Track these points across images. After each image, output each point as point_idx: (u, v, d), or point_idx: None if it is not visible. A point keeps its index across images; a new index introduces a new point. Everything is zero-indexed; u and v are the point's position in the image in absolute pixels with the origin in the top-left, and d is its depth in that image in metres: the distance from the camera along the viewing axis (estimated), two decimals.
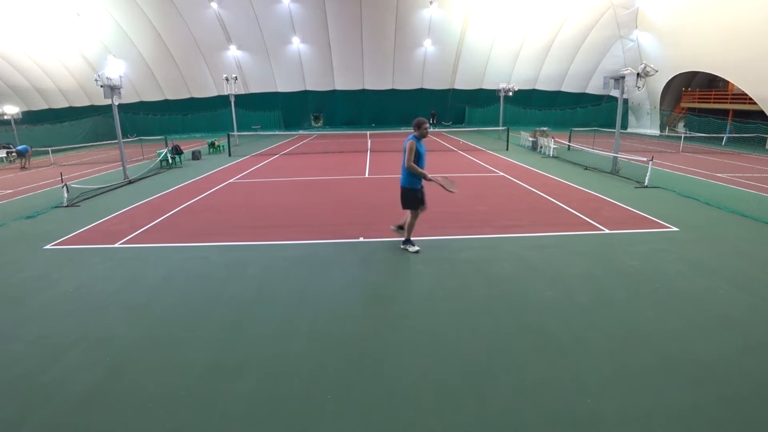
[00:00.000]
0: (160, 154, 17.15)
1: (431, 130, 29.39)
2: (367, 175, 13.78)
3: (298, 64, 34.83)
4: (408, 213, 6.56)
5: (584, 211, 8.94)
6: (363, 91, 36.75)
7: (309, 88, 36.66)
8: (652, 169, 11.55)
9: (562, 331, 4.30)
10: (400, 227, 6.86)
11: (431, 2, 30.40)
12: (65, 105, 33.76)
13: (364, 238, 7.40)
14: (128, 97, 31.73)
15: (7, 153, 21.78)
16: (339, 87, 36.59)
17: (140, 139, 24.67)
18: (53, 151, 21.81)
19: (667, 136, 27.56)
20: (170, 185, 12.89)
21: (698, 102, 28.39)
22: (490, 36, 32.28)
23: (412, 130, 6.32)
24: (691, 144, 22.28)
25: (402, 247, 6.64)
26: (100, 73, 13.15)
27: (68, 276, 5.93)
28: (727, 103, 26.17)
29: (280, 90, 36.45)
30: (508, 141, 21.46)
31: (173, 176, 14.69)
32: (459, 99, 36.98)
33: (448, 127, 35.36)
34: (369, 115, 37.14)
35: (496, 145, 22.65)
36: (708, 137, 23.75)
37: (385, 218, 8.71)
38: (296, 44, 33.40)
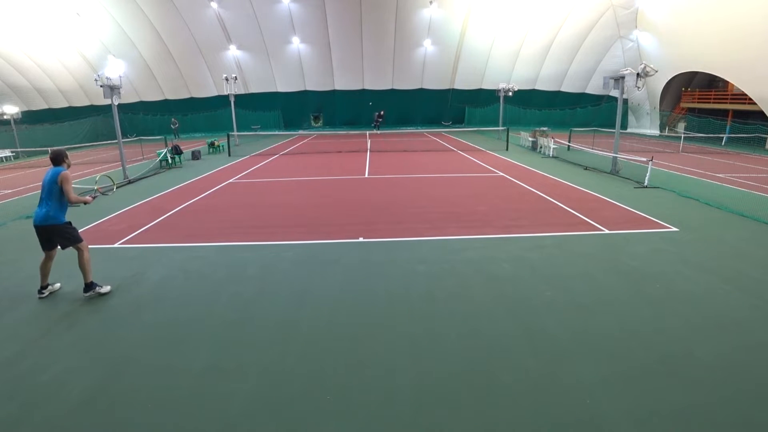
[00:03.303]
0: (159, 154, 17.15)
1: (377, 132, 30.03)
2: (366, 175, 13.78)
3: (298, 64, 34.81)
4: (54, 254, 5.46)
5: (584, 211, 8.94)
6: (363, 91, 36.74)
7: (309, 88, 36.64)
8: (652, 170, 11.55)
9: (562, 331, 4.30)
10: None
11: (431, 2, 30.38)
12: (65, 105, 33.74)
13: (364, 238, 7.40)
14: (128, 97, 31.74)
15: None
16: (339, 87, 36.57)
17: (140, 139, 24.64)
18: None
19: (667, 137, 27.56)
20: (170, 185, 12.88)
21: (698, 102, 28.39)
22: (490, 36, 32.27)
23: (55, 163, 5.27)
24: (690, 144, 22.29)
25: (86, 294, 5.28)
26: (99, 73, 13.14)
27: (68, 276, 5.92)
28: (726, 103, 26.17)
29: (279, 90, 36.42)
30: (507, 141, 21.47)
31: (173, 176, 14.68)
32: (459, 99, 36.95)
33: (448, 127, 35.37)
34: (369, 115, 37.12)
35: (495, 145, 22.65)
36: (708, 137, 23.75)
37: (385, 218, 8.72)
38: (296, 44, 33.38)
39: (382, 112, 33.72)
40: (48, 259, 5.35)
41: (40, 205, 5.17)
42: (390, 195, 10.84)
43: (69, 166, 5.39)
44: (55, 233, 5.19)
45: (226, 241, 7.39)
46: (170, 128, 30.72)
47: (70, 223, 5.32)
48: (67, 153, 5.46)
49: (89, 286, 5.31)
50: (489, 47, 33.16)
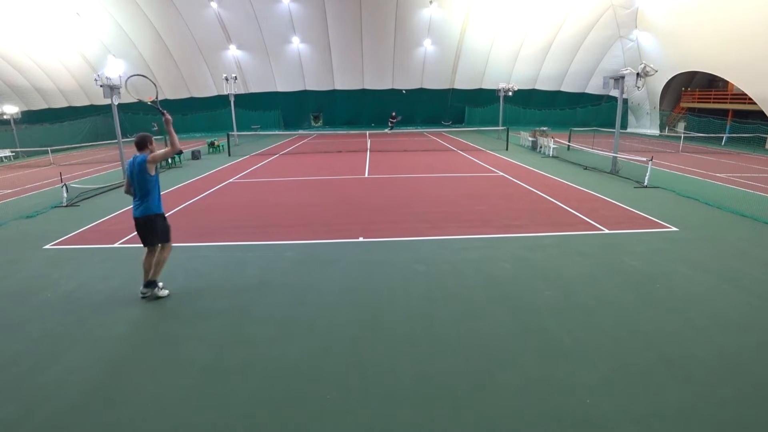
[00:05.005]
0: None
1: (392, 131, 30.08)
2: (366, 175, 13.78)
3: (297, 63, 34.81)
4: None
5: (584, 211, 8.94)
6: (363, 91, 36.74)
7: (309, 87, 36.64)
8: (652, 169, 11.55)
9: (562, 331, 4.30)
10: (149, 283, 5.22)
11: (431, 2, 30.38)
12: (65, 105, 33.73)
13: (364, 238, 7.40)
14: (128, 96, 31.60)
15: None
16: (339, 87, 36.56)
17: None
18: (53, 151, 21.80)
19: (667, 136, 27.56)
20: (170, 185, 12.88)
21: (698, 102, 28.39)
22: (490, 36, 32.26)
23: (139, 150, 5.06)
24: (690, 144, 22.29)
25: (143, 290, 5.20)
26: (99, 73, 13.15)
27: (68, 275, 5.93)
28: (726, 103, 26.16)
29: (279, 90, 36.43)
30: (507, 141, 21.47)
31: (173, 176, 14.67)
32: (459, 99, 36.95)
33: (448, 127, 35.37)
34: (369, 115, 37.13)
35: (495, 144, 22.65)
36: (708, 137, 23.75)
37: (385, 218, 8.72)
38: (296, 44, 33.38)
39: (394, 113, 33.61)
40: (150, 254, 5.19)
41: (135, 197, 5.07)
42: (390, 195, 10.84)
43: (152, 152, 5.07)
44: (150, 223, 5.07)
45: (226, 240, 7.39)
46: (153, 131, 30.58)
47: (164, 216, 5.21)
48: (152, 138, 5.15)
49: (151, 284, 5.17)
50: (489, 47, 33.15)
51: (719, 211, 8.91)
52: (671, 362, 3.76)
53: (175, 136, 4.92)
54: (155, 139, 5.28)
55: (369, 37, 32.86)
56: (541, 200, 10.00)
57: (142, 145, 5.06)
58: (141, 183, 4.98)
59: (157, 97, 5.37)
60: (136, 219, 5.08)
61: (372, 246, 6.99)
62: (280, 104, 36.51)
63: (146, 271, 5.20)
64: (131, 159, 5.05)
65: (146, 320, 4.71)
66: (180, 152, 5.14)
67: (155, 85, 5.81)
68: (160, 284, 5.29)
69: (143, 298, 5.17)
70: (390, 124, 32.56)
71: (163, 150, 5.04)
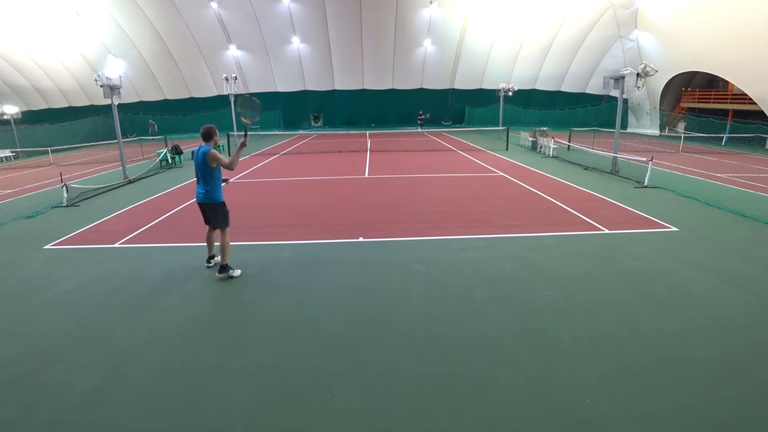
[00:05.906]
0: (159, 153, 17.15)
1: (420, 130, 30.35)
2: (366, 175, 13.78)
3: (297, 63, 34.82)
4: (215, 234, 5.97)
5: (584, 211, 8.94)
6: (363, 91, 36.74)
7: (309, 87, 36.64)
8: (652, 169, 11.55)
9: (562, 331, 4.30)
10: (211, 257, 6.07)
11: (431, 2, 30.39)
12: (65, 105, 33.73)
13: (364, 237, 7.40)
14: (128, 96, 31.73)
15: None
16: (339, 87, 36.57)
17: (140, 139, 24.63)
18: (53, 151, 21.80)
19: (667, 136, 27.56)
20: (170, 185, 12.88)
21: (698, 102, 28.38)
22: (490, 36, 32.27)
23: (203, 141, 5.64)
24: (690, 144, 22.29)
25: (220, 275, 5.67)
26: (99, 73, 13.15)
27: (68, 276, 5.93)
28: (726, 103, 26.16)
29: (279, 90, 36.42)
30: (507, 141, 21.46)
31: (173, 176, 14.68)
32: (459, 99, 36.95)
33: (448, 127, 35.37)
34: (369, 115, 37.14)
35: (495, 145, 22.65)
36: (708, 137, 23.76)
37: (385, 218, 8.72)
38: (296, 44, 33.39)
39: (420, 112, 33.64)
40: (211, 230, 5.90)
41: (198, 184, 5.62)
42: (390, 195, 10.84)
43: (216, 144, 5.67)
44: (212, 210, 5.63)
45: None
46: (150, 130, 30.56)
47: (224, 204, 5.70)
48: (216, 130, 5.73)
49: (224, 268, 5.67)
50: (489, 47, 33.16)
51: (719, 211, 8.91)
52: (671, 362, 3.76)
53: (239, 158, 5.57)
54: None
55: (369, 37, 32.87)
56: (542, 200, 10.00)
57: (207, 136, 5.61)
58: (203, 171, 5.51)
59: (254, 121, 6.00)
60: (199, 204, 5.67)
61: (372, 246, 6.99)
62: (280, 104, 36.48)
63: (210, 246, 6.00)
64: (197, 148, 5.58)
65: (145, 320, 4.70)
66: (231, 169, 5.59)
67: (260, 114, 6.41)
68: (234, 272, 5.75)
69: (208, 267, 6.00)
70: (419, 122, 32.77)
71: (224, 158, 5.52)
